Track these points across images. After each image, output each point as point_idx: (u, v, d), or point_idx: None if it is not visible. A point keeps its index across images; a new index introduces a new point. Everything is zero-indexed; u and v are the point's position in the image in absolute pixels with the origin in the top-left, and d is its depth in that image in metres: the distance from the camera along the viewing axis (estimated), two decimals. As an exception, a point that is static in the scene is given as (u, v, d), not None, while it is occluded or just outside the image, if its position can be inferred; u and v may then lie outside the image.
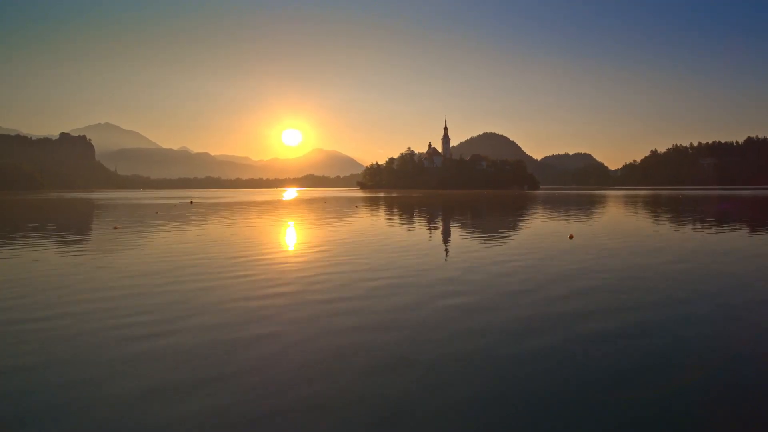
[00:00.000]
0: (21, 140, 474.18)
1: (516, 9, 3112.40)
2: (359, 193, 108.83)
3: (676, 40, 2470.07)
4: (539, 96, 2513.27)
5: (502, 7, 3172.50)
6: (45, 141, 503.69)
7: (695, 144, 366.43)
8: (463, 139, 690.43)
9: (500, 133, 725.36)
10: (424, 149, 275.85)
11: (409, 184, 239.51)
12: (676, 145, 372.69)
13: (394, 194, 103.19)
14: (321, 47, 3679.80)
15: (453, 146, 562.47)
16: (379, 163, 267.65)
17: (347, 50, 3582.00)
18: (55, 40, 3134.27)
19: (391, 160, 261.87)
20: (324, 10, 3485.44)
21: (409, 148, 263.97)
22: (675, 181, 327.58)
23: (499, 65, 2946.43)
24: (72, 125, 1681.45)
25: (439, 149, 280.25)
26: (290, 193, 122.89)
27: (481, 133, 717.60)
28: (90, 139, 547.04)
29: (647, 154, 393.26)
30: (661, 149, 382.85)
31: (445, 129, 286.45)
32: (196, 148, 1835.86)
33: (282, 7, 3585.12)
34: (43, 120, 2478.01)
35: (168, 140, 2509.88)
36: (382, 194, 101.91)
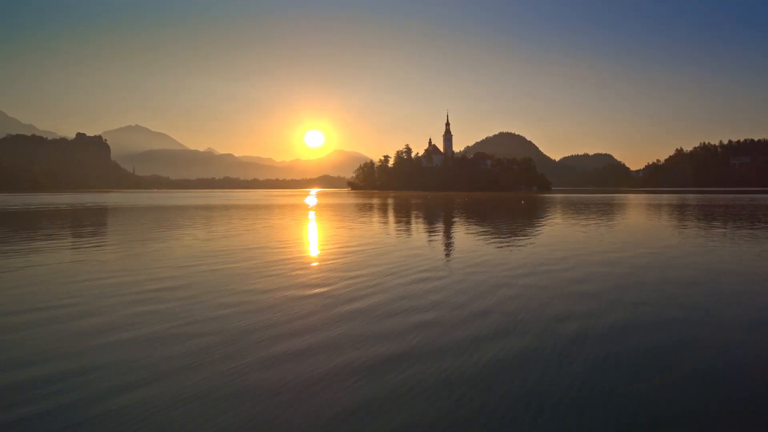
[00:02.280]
0: (36, 140, 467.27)
1: (534, 8, 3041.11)
2: (328, 199, 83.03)
3: (703, 36, 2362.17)
4: (558, 95, 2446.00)
5: (520, 7, 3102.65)
6: (60, 141, 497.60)
7: (725, 142, 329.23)
8: (479, 139, 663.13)
9: (517, 133, 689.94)
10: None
11: (406, 185, 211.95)
12: (704, 143, 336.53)
13: (351, 199, 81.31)
14: (343, 49, 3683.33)
15: (468, 146, 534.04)
16: (375, 161, 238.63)
17: (369, 52, 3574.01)
18: (91, 46, 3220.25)
19: (386, 158, 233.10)
20: (346, 14, 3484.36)
21: (406, 145, 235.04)
22: (703, 182, 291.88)
23: (517, 64, 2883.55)
24: (105, 127, 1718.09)
25: (441, 147, 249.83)
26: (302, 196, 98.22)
27: (497, 133, 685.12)
28: (106, 140, 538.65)
29: (672, 153, 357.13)
30: (688, 148, 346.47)
31: (447, 124, 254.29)
32: (221, 149, 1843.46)
33: (305, 12, 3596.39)
34: (78, 122, 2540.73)
35: (194, 142, 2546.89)
36: (337, 200, 78.37)
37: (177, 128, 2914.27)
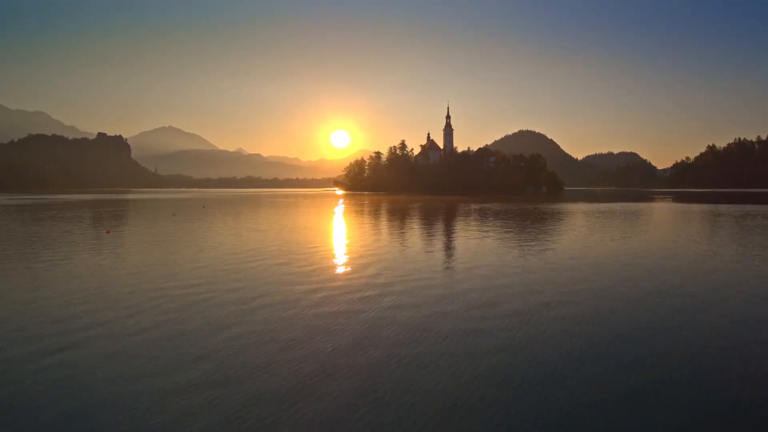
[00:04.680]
0: (56, 140, 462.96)
1: (554, 3, 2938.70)
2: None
3: (734, 28, 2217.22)
4: (581, 92, 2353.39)
5: (540, 4, 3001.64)
6: (81, 141, 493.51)
7: (763, 138, 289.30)
8: (498, 137, 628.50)
9: (538, 131, 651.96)
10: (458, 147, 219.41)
11: (398, 186, 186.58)
12: (739, 139, 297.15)
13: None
14: (369, 49, 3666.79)
15: (487, 144, 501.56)
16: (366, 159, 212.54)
17: (395, 51, 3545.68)
18: (130, 50, 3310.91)
19: (378, 154, 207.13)
20: (371, 13, 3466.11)
21: (402, 141, 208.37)
22: (737, 182, 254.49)
23: (540, 61, 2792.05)
24: (142, 128, 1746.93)
25: (441, 143, 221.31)
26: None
27: (516, 131, 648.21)
28: (126, 139, 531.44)
29: (702, 150, 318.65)
30: (720, 145, 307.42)
31: (448, 117, 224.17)
32: (250, 149, 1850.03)
33: (331, 13, 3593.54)
34: (118, 123, 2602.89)
35: (225, 142, 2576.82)
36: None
37: (209, 129, 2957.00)
